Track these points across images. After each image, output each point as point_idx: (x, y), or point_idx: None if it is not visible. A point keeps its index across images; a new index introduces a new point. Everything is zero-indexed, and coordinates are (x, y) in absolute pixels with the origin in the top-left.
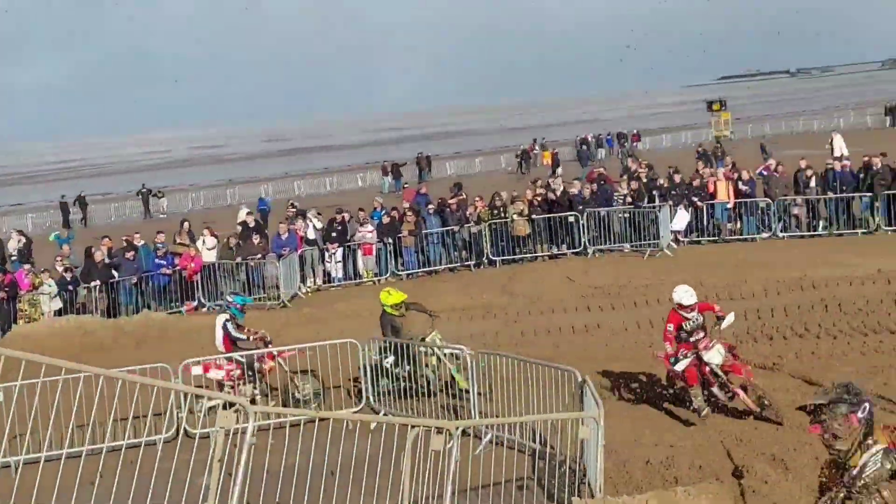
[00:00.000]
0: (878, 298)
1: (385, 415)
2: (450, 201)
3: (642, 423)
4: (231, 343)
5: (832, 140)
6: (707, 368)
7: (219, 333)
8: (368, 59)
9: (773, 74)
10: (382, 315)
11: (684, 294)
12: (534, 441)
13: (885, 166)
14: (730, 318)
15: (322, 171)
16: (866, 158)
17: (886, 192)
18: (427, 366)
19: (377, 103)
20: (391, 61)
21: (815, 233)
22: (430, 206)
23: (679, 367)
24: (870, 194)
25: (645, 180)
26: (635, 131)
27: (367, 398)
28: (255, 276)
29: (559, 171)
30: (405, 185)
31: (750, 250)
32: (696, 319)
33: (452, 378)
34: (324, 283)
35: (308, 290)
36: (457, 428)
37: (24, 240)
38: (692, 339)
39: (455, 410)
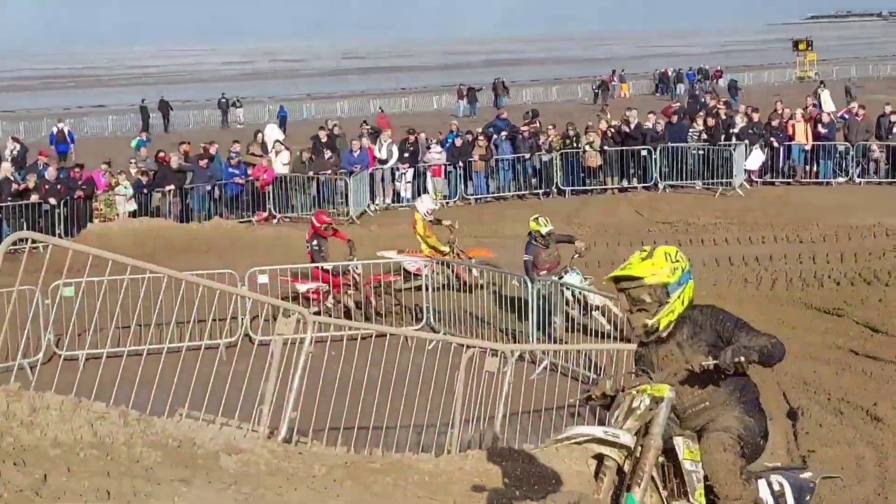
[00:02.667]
0: None
1: (444, 334)
2: (523, 128)
3: None
4: None
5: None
6: None
7: None
8: None
9: (864, 16)
10: None
11: None
12: (589, 370)
13: None
14: None
15: (398, 91)
16: None
17: None
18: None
19: (461, 27)
20: None
21: (894, 180)
22: (503, 133)
23: None
24: None
25: (723, 117)
26: (718, 68)
27: (427, 317)
28: (325, 190)
29: None
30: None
31: (824, 194)
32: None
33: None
34: (392, 202)
35: (377, 208)
36: (512, 352)
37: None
38: None
39: (513, 335)
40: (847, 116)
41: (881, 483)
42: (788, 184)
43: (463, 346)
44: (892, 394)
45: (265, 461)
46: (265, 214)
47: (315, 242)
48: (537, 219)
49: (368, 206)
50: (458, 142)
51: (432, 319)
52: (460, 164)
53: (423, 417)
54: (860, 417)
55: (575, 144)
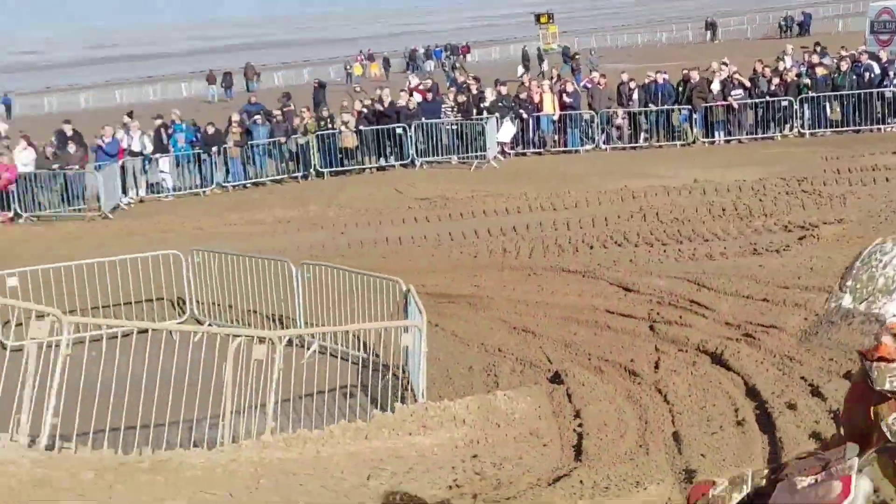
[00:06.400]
0: (694, 207)
1: (209, 325)
2: (276, 112)
3: (466, 331)
4: None
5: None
6: None
7: None
8: None
9: None
10: None
11: None
12: (359, 350)
13: (702, 79)
14: None
15: (145, 79)
16: (685, 72)
17: (704, 104)
18: None
19: (212, 10)
20: None
21: (637, 144)
22: (257, 117)
23: None
24: (688, 107)
25: (473, 92)
26: (465, 43)
27: (191, 309)
28: (74, 186)
29: None
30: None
31: (574, 161)
32: None
33: None
34: (149, 193)
35: (130, 201)
36: (280, 338)
37: None
38: None
39: (280, 320)
40: (590, 86)
41: (641, 435)
42: (539, 154)
43: (229, 336)
44: (647, 349)
45: (27, 471)
46: (10, 214)
47: None
48: None
49: (121, 200)
50: (211, 129)
51: (196, 311)
52: (215, 150)
53: (192, 412)
54: (619, 374)
55: (330, 125)
